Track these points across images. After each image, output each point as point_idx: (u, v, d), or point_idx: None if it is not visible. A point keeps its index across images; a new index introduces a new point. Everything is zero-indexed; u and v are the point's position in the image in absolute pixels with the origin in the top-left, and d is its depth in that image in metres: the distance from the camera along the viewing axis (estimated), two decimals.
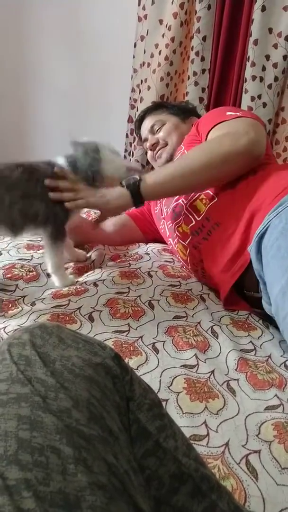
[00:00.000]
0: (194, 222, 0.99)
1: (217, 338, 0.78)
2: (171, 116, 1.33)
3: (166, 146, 1.29)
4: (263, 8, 1.36)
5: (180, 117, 1.33)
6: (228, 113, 1.00)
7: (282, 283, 0.71)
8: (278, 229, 0.75)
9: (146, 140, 1.37)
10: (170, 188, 0.92)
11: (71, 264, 1.06)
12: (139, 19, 1.64)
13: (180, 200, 1.06)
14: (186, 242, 1.02)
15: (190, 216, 1.00)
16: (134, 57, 1.70)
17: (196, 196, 1.01)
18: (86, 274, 1.02)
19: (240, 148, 0.88)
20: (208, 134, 0.99)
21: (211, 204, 0.96)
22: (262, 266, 0.80)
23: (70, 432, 0.31)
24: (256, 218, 0.85)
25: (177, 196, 1.09)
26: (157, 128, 1.32)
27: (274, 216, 0.77)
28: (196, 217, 0.99)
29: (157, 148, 1.31)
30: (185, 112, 1.36)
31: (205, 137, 1.00)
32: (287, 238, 0.73)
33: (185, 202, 1.03)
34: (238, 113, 1.00)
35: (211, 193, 0.97)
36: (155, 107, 1.40)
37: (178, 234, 1.06)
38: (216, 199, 0.96)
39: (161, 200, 1.22)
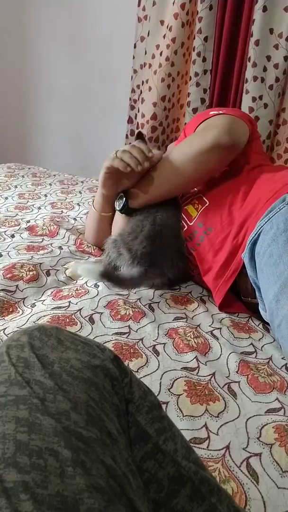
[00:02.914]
0: (186, 227, 0.98)
1: (217, 340, 0.78)
2: None
3: None
4: (264, 9, 1.36)
5: None
6: (212, 112, 1.00)
7: (275, 289, 0.71)
8: (270, 235, 0.75)
9: None
10: (157, 197, 0.96)
11: (72, 263, 1.05)
12: (139, 20, 1.65)
13: None
14: None
15: (183, 221, 0.99)
16: (134, 58, 1.70)
17: (188, 200, 1.00)
18: None
19: (207, 144, 0.88)
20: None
21: (203, 208, 0.95)
22: (256, 273, 0.79)
23: (68, 435, 0.31)
24: (248, 223, 0.84)
25: None
26: None
27: (266, 222, 0.77)
28: (188, 221, 0.98)
29: None
30: None
31: None
32: (278, 245, 0.73)
33: None
34: (220, 111, 0.98)
35: (203, 197, 0.97)
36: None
37: None
38: (208, 203, 0.95)
39: None
